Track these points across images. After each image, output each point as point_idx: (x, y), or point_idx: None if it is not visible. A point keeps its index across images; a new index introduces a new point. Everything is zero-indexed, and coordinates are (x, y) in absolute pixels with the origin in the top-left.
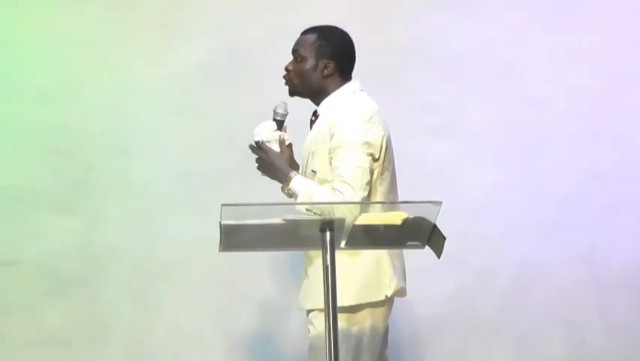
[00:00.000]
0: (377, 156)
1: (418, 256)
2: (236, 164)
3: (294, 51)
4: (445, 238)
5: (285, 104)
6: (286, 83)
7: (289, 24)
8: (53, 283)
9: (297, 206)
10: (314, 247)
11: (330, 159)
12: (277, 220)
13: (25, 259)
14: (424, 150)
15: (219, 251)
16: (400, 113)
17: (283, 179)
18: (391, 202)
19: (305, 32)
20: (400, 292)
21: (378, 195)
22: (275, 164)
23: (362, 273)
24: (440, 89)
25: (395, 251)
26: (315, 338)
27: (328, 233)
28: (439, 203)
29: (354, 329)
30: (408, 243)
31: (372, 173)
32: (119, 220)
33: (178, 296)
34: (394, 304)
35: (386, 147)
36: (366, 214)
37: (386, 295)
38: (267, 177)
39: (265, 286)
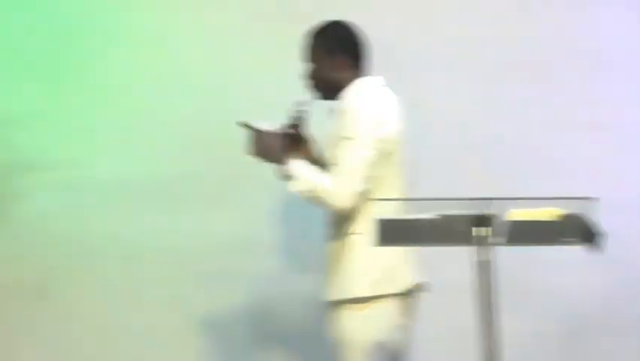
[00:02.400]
0: (386, 151)
1: (572, 253)
2: None
3: (306, 57)
4: (605, 235)
5: (306, 100)
6: (312, 92)
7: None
8: (203, 275)
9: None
10: (467, 243)
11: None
12: (431, 215)
13: (178, 251)
14: (578, 145)
15: (374, 246)
16: (554, 107)
17: (279, 161)
18: (555, 198)
19: (311, 35)
20: (418, 284)
21: (391, 190)
22: (270, 147)
23: (379, 263)
24: (594, 83)
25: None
26: (336, 331)
27: (482, 229)
28: (597, 199)
29: (371, 320)
30: (563, 239)
31: (379, 167)
32: (268, 214)
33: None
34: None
35: (397, 143)
36: (520, 210)
37: (403, 287)
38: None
39: None
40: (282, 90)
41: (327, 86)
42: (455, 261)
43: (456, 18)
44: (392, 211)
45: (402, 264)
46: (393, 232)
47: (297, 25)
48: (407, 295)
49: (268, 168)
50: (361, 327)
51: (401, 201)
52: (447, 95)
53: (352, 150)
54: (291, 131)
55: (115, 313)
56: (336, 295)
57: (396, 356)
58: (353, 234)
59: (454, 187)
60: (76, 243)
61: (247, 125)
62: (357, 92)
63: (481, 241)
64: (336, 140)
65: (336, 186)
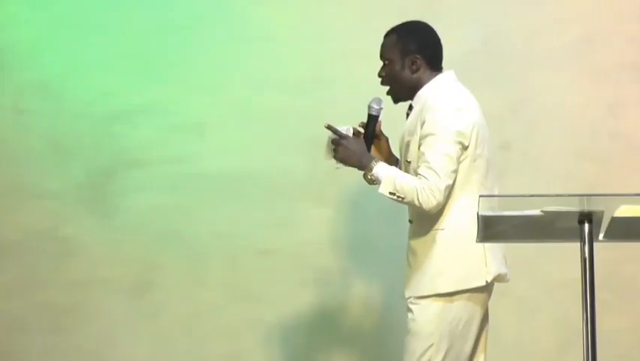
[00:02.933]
0: (467, 144)
1: None
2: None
3: (381, 56)
4: None
5: (380, 99)
6: (388, 92)
7: (548, 15)
8: (308, 273)
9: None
10: (571, 239)
11: (420, 146)
12: (535, 212)
13: (281, 248)
14: None
15: (477, 242)
16: None
17: (365, 165)
18: None
19: (386, 35)
20: (501, 277)
21: (473, 184)
22: (356, 152)
23: (461, 259)
24: None
25: None
26: (414, 325)
27: (587, 225)
28: None
29: (451, 315)
30: None
31: (460, 161)
32: (372, 211)
33: None
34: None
35: (477, 136)
36: (627, 207)
37: (486, 281)
38: (343, 167)
39: (521, 280)
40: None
41: (403, 86)
42: (556, 256)
43: (565, 17)
44: (471, 206)
45: (487, 258)
46: (496, 228)
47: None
48: (489, 287)
49: None
50: (442, 321)
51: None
52: (554, 95)
53: (436, 146)
54: (362, 130)
55: (215, 310)
56: (421, 290)
57: (474, 347)
58: (437, 230)
59: (560, 185)
60: (179, 239)
61: (332, 129)
62: (436, 89)
63: (585, 238)
64: (416, 138)
65: (424, 185)
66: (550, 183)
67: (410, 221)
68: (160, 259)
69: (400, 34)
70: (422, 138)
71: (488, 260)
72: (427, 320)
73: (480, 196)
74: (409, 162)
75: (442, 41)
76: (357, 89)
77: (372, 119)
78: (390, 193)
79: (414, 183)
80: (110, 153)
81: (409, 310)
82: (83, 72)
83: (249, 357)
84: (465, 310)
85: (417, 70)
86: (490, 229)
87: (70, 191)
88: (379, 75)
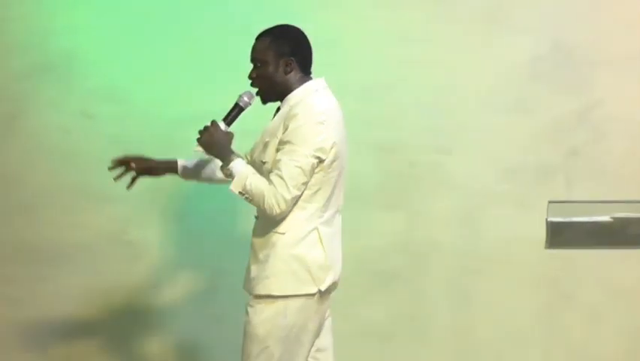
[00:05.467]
0: (323, 158)
1: None
2: (559, 160)
3: (253, 59)
4: None
5: (253, 95)
6: (257, 93)
7: (616, 20)
8: (376, 278)
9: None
10: None
11: (278, 150)
12: (605, 218)
13: (349, 253)
14: None
15: (546, 248)
16: None
17: (224, 158)
18: None
19: (258, 37)
20: (335, 285)
21: (321, 195)
22: (219, 142)
23: (297, 265)
24: None
25: (338, 243)
26: (249, 327)
27: None
28: None
29: (285, 320)
30: None
31: (315, 173)
32: (441, 216)
33: (500, 293)
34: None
35: (335, 151)
36: None
37: (319, 290)
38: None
39: (589, 286)
40: (448, 91)
41: (275, 88)
42: (623, 262)
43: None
44: (314, 216)
45: (325, 267)
46: (566, 235)
47: (473, 26)
48: (325, 295)
49: (442, 171)
50: (275, 325)
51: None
52: (622, 100)
53: (292, 156)
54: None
55: None
56: (256, 289)
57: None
58: (277, 233)
59: (629, 191)
60: (246, 244)
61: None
62: (304, 96)
63: None
64: (276, 141)
65: (271, 192)
66: (619, 188)
67: (256, 217)
68: (227, 265)
69: (274, 37)
70: (281, 143)
71: (327, 268)
72: (261, 323)
73: (549, 202)
74: (264, 163)
75: (510, 47)
76: (422, 95)
77: (238, 110)
78: (240, 193)
79: (262, 188)
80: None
81: (246, 312)
82: (151, 77)
83: None
84: (299, 315)
85: (290, 72)
86: (560, 235)
87: (138, 195)
88: (250, 77)
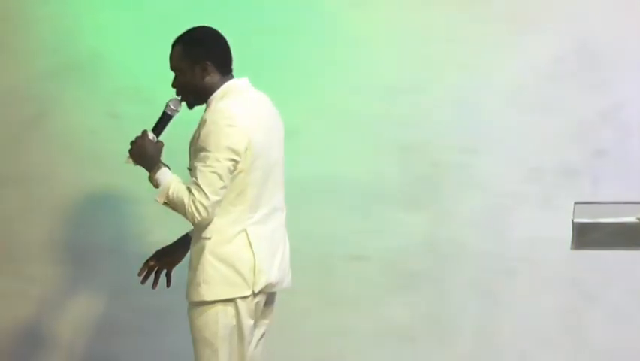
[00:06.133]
0: (239, 160)
1: None
2: (585, 161)
3: (171, 68)
4: None
5: (179, 102)
6: (182, 99)
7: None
8: (400, 279)
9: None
10: None
11: (194, 158)
12: (632, 219)
13: (374, 253)
14: None
15: (572, 249)
16: None
17: (152, 168)
18: None
19: (172, 45)
20: (271, 285)
21: (246, 196)
22: (147, 153)
23: (227, 269)
24: None
25: (276, 243)
26: (193, 331)
27: None
28: None
29: (222, 321)
30: None
31: (235, 176)
32: (466, 217)
33: (525, 294)
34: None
35: (250, 151)
36: None
37: (252, 291)
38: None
39: (615, 288)
40: (473, 91)
41: (197, 93)
42: None
43: None
44: (240, 218)
45: (257, 268)
46: (591, 236)
47: (497, 26)
48: (260, 295)
49: (466, 171)
50: (215, 327)
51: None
52: None
53: (206, 163)
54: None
55: (307, 315)
56: (191, 296)
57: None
58: (205, 238)
59: None
60: None
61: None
62: (219, 99)
63: None
64: (195, 149)
65: (191, 201)
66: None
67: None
68: None
69: (187, 43)
70: (196, 151)
71: (258, 270)
72: (202, 326)
73: (575, 203)
74: (190, 170)
75: (534, 47)
76: (447, 95)
77: (166, 119)
78: (165, 203)
79: (182, 196)
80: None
81: (188, 317)
82: None
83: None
84: (236, 317)
85: (207, 76)
86: (586, 236)
87: None
88: (173, 86)
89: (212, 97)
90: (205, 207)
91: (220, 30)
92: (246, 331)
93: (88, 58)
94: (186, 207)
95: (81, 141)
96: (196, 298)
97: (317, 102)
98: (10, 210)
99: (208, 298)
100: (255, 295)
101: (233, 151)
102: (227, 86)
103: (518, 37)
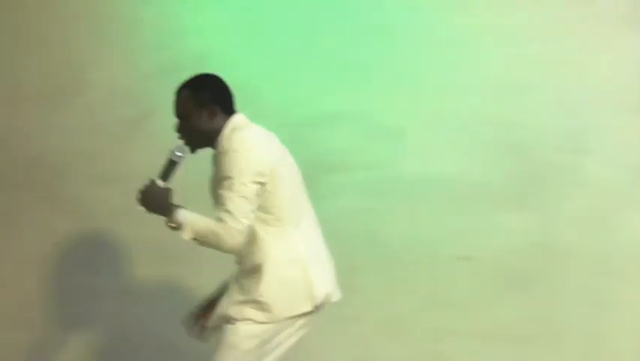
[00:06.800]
0: (264, 181)
1: None
2: None
3: (178, 114)
4: None
5: (184, 147)
6: (186, 143)
7: None
8: (508, 279)
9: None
10: None
11: (218, 188)
12: None
13: (482, 254)
14: None
15: None
16: None
17: (167, 213)
18: None
19: (177, 93)
20: (328, 297)
21: (282, 213)
22: (157, 200)
23: (286, 288)
24: None
25: (323, 255)
26: (237, 336)
27: None
28: None
29: (274, 339)
30: None
31: (265, 197)
32: (573, 217)
33: (634, 296)
34: None
35: (272, 170)
36: None
37: (314, 306)
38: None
39: None
40: (584, 90)
41: (205, 137)
42: None
43: None
44: (284, 234)
45: (314, 282)
46: None
47: (604, 25)
48: (317, 309)
49: (575, 171)
50: (262, 341)
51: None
52: None
53: (232, 188)
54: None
55: (414, 316)
56: (246, 314)
57: None
58: (258, 264)
59: None
60: (379, 243)
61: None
62: (230, 133)
63: None
64: (217, 182)
65: (222, 229)
66: None
67: (237, 263)
68: (359, 264)
69: (193, 89)
70: (220, 180)
71: (315, 284)
72: (247, 338)
73: None
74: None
75: None
76: (554, 94)
77: (173, 165)
78: (194, 239)
79: (212, 227)
80: (309, 158)
81: (229, 324)
82: (281, 77)
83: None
84: (289, 333)
85: (214, 118)
86: None
87: None
88: (177, 132)
89: (222, 135)
90: (239, 232)
91: (325, 32)
92: (289, 345)
93: (191, 58)
94: (220, 236)
95: None
96: (260, 320)
97: (423, 103)
98: (115, 209)
99: (271, 320)
100: (314, 309)
101: (258, 173)
102: (236, 120)
103: (626, 37)
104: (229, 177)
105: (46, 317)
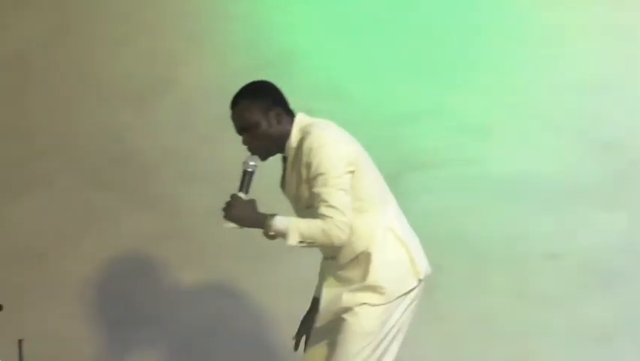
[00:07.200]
0: (354, 168)
1: None
2: None
3: (242, 128)
4: None
5: (254, 157)
6: (254, 153)
7: None
8: (596, 278)
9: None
10: None
11: (311, 187)
12: None
13: (570, 252)
14: None
15: None
16: None
17: (261, 224)
18: None
19: (235, 105)
20: (427, 270)
21: (375, 198)
22: (247, 212)
23: (393, 269)
24: None
25: (412, 231)
26: (360, 324)
27: None
28: None
29: (392, 318)
30: None
31: (359, 186)
32: None
33: None
34: None
35: (359, 157)
36: None
37: (418, 280)
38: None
39: None
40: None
41: (276, 142)
42: None
43: None
44: (381, 219)
45: (414, 260)
46: None
47: None
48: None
49: None
50: (382, 323)
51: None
52: None
53: (329, 183)
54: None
55: (500, 313)
56: (363, 298)
57: None
58: (363, 253)
59: None
60: (465, 241)
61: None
62: (305, 133)
63: None
64: (306, 183)
65: (330, 224)
66: None
67: (332, 258)
68: (446, 261)
69: (252, 96)
70: (312, 179)
71: (416, 260)
72: (372, 320)
73: None
74: (309, 208)
75: None
76: None
77: (248, 176)
78: (300, 242)
79: (319, 225)
80: (397, 155)
81: (352, 313)
82: (369, 75)
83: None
84: (403, 309)
85: (281, 121)
86: None
87: None
88: (246, 143)
89: (291, 136)
90: (346, 224)
91: (413, 31)
92: (407, 322)
93: (280, 55)
94: (328, 231)
95: None
96: (376, 302)
97: (510, 99)
98: (205, 207)
99: (387, 300)
100: (419, 283)
101: (348, 163)
102: (301, 119)
103: None
104: (321, 173)
105: (132, 315)
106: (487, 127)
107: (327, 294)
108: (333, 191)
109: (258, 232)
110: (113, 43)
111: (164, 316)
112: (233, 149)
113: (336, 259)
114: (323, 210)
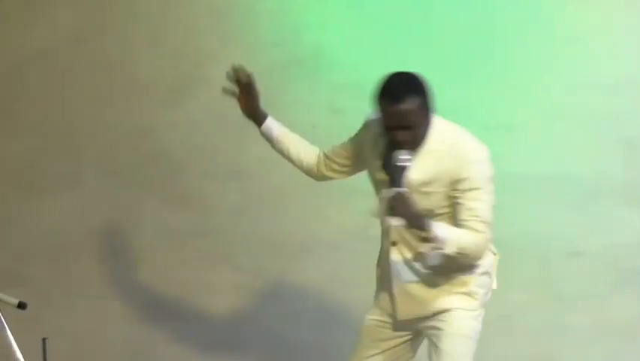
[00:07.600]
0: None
1: None
2: None
3: (405, 125)
4: None
5: (405, 152)
6: (404, 148)
7: None
8: (620, 276)
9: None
10: None
11: (454, 197)
12: None
13: (594, 250)
14: None
15: None
16: None
17: (423, 225)
18: None
19: (404, 100)
20: None
21: None
22: (415, 210)
23: (485, 279)
24: None
25: None
26: (466, 327)
27: None
28: None
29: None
30: None
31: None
32: None
33: None
34: None
35: None
36: None
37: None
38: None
39: None
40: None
41: (422, 140)
42: None
43: None
44: None
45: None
46: None
47: None
48: None
49: None
50: (477, 325)
51: None
52: None
53: (484, 199)
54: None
55: (525, 311)
56: (462, 304)
57: None
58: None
59: None
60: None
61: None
62: (451, 136)
63: None
64: (443, 189)
65: (482, 240)
66: None
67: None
68: None
69: (423, 95)
70: (464, 190)
71: (494, 273)
72: (472, 324)
73: None
74: (430, 211)
75: None
76: None
77: (401, 171)
78: (457, 252)
79: (473, 239)
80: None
81: (454, 317)
82: None
83: (559, 359)
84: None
85: (431, 119)
86: None
87: None
88: (401, 140)
89: (432, 138)
90: (491, 240)
91: (438, 28)
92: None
93: (310, 52)
94: (480, 247)
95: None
96: (471, 307)
97: (532, 98)
98: (233, 205)
99: (478, 307)
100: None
101: (493, 180)
102: (440, 121)
103: None
104: (477, 188)
105: (157, 313)
106: (510, 125)
107: (416, 291)
108: (487, 207)
109: (282, 230)
110: (143, 41)
111: (189, 314)
112: (265, 146)
113: (431, 267)
114: (475, 224)
